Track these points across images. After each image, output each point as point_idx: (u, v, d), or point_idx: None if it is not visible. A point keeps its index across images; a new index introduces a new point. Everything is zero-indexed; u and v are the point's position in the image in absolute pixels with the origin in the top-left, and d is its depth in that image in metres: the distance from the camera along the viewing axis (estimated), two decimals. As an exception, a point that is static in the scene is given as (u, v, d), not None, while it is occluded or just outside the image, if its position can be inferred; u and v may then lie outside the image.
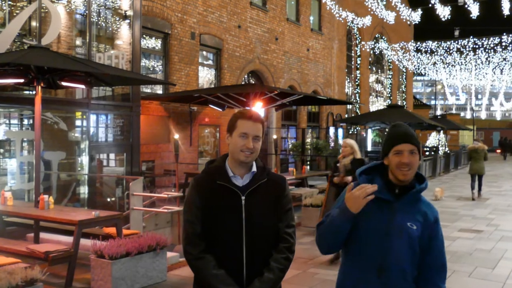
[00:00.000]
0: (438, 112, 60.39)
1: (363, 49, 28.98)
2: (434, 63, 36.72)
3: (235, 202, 2.61)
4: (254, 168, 2.70)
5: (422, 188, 2.60)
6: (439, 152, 28.07)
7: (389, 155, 2.58)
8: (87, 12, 10.51)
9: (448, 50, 33.35)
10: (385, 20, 25.54)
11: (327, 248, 2.67)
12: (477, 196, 15.42)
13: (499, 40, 31.18)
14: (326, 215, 2.64)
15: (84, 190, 10.37)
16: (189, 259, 2.62)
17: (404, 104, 36.29)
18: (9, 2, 9.22)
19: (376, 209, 2.53)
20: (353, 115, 27.74)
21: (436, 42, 32.98)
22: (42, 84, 7.32)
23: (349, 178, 7.23)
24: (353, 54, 28.42)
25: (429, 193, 14.97)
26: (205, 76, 16.30)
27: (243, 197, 2.62)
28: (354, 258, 2.59)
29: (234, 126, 2.66)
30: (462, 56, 34.74)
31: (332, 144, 22.69)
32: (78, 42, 10.83)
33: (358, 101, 28.37)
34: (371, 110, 28.75)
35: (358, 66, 28.85)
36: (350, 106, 27.88)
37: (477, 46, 32.46)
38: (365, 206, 2.48)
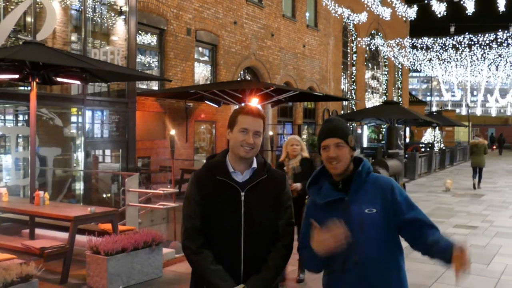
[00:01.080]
0: (434, 109, 60.50)
1: (359, 45, 28.99)
2: (430, 60, 36.76)
3: (235, 198, 2.61)
4: (255, 164, 2.69)
5: (360, 171, 2.60)
6: (435, 148, 28.13)
7: (320, 151, 2.65)
8: (82, 7, 10.47)
9: (443, 46, 33.39)
10: (381, 17, 25.55)
11: (316, 269, 2.74)
12: (478, 187, 17.14)
13: (494, 36, 31.24)
14: (301, 238, 2.70)
15: (79, 186, 10.35)
16: (188, 253, 2.62)
17: (400, 100, 36.33)
18: (4, -2, 9.17)
19: (333, 212, 2.54)
20: (349, 111, 27.76)
21: (431, 39, 33.02)
22: (37, 80, 7.29)
23: (298, 185, 6.05)
24: (349, 51, 28.42)
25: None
26: (201, 72, 16.28)
27: (242, 193, 2.61)
28: (328, 261, 2.59)
29: (234, 122, 2.66)
30: (458, 52, 34.78)
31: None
32: (74, 38, 10.79)
33: (354, 98, 28.39)
34: (367, 107, 28.78)
35: (354, 63, 28.87)
36: (346, 102, 27.90)
37: (472, 43, 32.52)
38: (324, 213, 2.54)
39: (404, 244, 2.62)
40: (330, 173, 2.65)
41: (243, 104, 2.99)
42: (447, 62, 37.88)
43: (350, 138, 2.62)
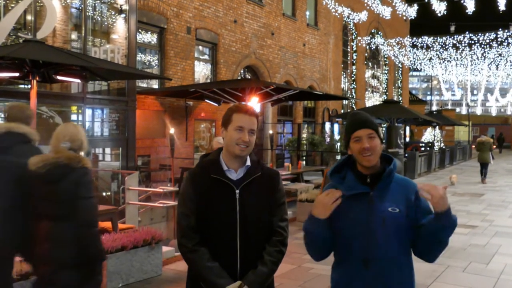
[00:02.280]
0: (434, 108, 60.51)
1: (359, 44, 28.98)
2: (430, 59, 36.73)
3: (229, 196, 2.64)
4: (248, 162, 2.72)
5: (391, 169, 2.59)
6: (435, 147, 28.13)
7: (350, 144, 2.61)
8: (82, 6, 10.47)
9: (444, 45, 33.36)
10: (381, 15, 25.53)
11: (318, 256, 2.69)
12: (483, 181, 19.06)
13: (494, 35, 31.21)
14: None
15: (79, 185, 10.33)
16: (184, 251, 2.65)
17: (400, 99, 36.33)
18: (4, -4, 9.17)
19: (354, 204, 2.54)
20: (349, 110, 27.75)
21: (432, 38, 33.00)
22: (37, 78, 7.29)
23: None
24: (349, 49, 28.41)
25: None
26: (201, 71, 16.28)
27: (237, 191, 2.64)
28: (342, 256, 2.61)
29: (229, 120, 2.68)
30: (458, 51, 34.76)
31: (327, 140, 22.71)
32: (74, 36, 10.79)
33: (354, 97, 28.40)
34: (367, 106, 28.77)
35: (354, 62, 28.86)
36: (346, 101, 27.90)
37: (472, 42, 32.48)
38: (344, 204, 2.51)
39: None
40: (355, 164, 2.63)
41: (237, 103, 2.97)
42: (447, 61, 37.85)
43: (380, 131, 2.61)
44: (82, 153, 3.65)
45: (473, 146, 40.79)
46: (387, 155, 2.67)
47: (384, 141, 2.67)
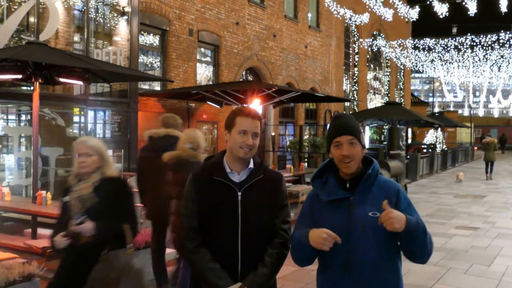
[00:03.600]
0: (436, 109, 60.43)
1: (361, 46, 28.97)
2: (432, 60, 36.71)
3: (232, 198, 2.65)
4: (251, 165, 2.73)
5: (369, 173, 2.55)
6: (437, 149, 28.11)
7: (331, 148, 2.59)
8: (85, 8, 10.50)
9: (445, 47, 33.35)
10: (383, 17, 25.52)
11: (301, 262, 2.67)
12: (490, 178, 20.83)
13: (496, 37, 31.18)
14: (295, 228, 2.68)
15: (81, 186, 10.35)
16: (185, 252, 2.68)
17: (402, 101, 36.30)
18: (7, -2, 9.21)
19: (335, 209, 2.52)
20: (350, 112, 27.74)
21: (433, 39, 32.98)
22: (40, 80, 7.32)
23: (85, 226, 3.29)
24: (351, 51, 28.41)
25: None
26: (203, 73, 16.30)
27: (239, 193, 2.66)
28: (325, 261, 2.59)
29: (233, 123, 2.68)
30: (460, 53, 34.73)
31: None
32: (76, 38, 10.82)
33: (356, 98, 28.39)
34: (369, 107, 28.77)
35: (356, 63, 28.85)
36: (348, 103, 27.89)
37: (474, 44, 32.44)
38: (326, 210, 2.52)
39: None
40: (336, 168, 2.61)
41: (240, 106, 3.01)
42: (449, 63, 37.84)
43: (362, 136, 2.58)
44: (199, 151, 4.89)
45: (476, 148, 40.82)
46: (368, 157, 2.64)
47: (365, 146, 2.60)
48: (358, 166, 2.57)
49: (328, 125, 2.78)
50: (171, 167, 4.82)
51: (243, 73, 18.28)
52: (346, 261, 2.49)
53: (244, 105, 10.97)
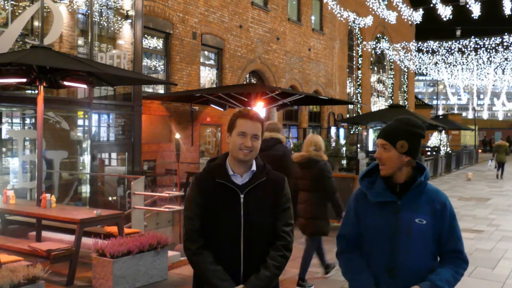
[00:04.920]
0: (440, 112, 60.32)
1: (365, 49, 28.97)
2: (436, 63, 36.67)
3: (234, 200, 2.66)
4: (254, 167, 2.75)
5: (421, 180, 2.56)
6: (441, 152, 28.03)
7: None
8: (89, 12, 10.54)
9: (449, 50, 33.30)
10: (386, 20, 25.53)
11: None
12: (501, 177, 22.55)
13: (500, 40, 31.13)
14: (341, 227, 2.75)
15: (85, 189, 10.41)
16: (188, 254, 2.69)
17: (406, 104, 36.27)
18: (12, 2, 9.26)
19: (381, 212, 2.54)
20: (354, 115, 27.74)
21: (437, 42, 32.94)
22: (44, 84, 7.35)
23: None
24: (354, 54, 28.41)
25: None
26: (207, 76, 16.33)
27: (241, 195, 2.67)
28: (368, 258, 2.61)
29: (233, 125, 2.71)
30: (464, 56, 34.69)
31: (333, 144, 22.70)
32: (80, 42, 10.86)
33: (360, 101, 28.37)
34: (372, 110, 28.74)
35: (360, 66, 28.85)
36: (352, 106, 27.89)
37: (478, 46, 32.40)
38: (372, 210, 2.54)
39: None
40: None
41: (241, 108, 3.05)
42: (453, 65, 37.77)
43: (401, 144, 2.53)
44: (321, 152, 6.21)
45: (480, 150, 40.68)
46: (421, 165, 2.64)
47: (410, 154, 2.57)
48: (395, 171, 2.57)
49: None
50: (300, 165, 6.24)
51: (247, 76, 18.31)
52: (388, 264, 2.51)
53: (248, 108, 10.98)
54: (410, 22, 27.25)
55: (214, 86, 16.35)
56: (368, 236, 2.58)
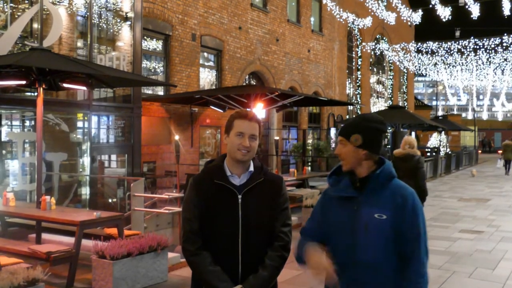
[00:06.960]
0: (440, 113, 60.36)
1: (364, 50, 28.99)
2: (435, 64, 36.67)
3: (232, 201, 2.68)
4: (252, 168, 2.76)
5: (377, 174, 2.52)
6: (440, 153, 28.05)
7: None
8: (88, 14, 10.55)
9: (449, 50, 33.30)
10: (385, 21, 25.56)
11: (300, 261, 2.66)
12: (507, 173, 25.10)
13: (499, 40, 31.13)
14: (307, 220, 2.73)
15: (85, 191, 10.40)
16: (187, 255, 2.70)
17: (405, 105, 36.28)
18: (11, 4, 9.26)
19: (343, 207, 2.55)
20: (354, 116, 27.71)
21: (437, 43, 32.94)
22: (43, 86, 7.36)
23: None
24: (354, 55, 28.43)
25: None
26: (206, 78, 16.34)
27: (239, 196, 2.68)
28: (331, 256, 2.58)
29: (231, 126, 2.72)
30: (463, 56, 34.69)
31: (333, 145, 22.71)
32: (80, 43, 10.87)
33: (359, 102, 28.39)
34: (372, 111, 28.75)
35: (359, 67, 28.87)
36: (351, 107, 27.90)
37: (478, 47, 32.39)
38: (335, 206, 2.56)
39: None
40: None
41: (239, 109, 3.09)
42: (453, 66, 37.79)
43: (355, 137, 2.52)
44: (414, 149, 7.68)
45: (479, 151, 40.69)
46: (383, 159, 2.61)
47: (365, 147, 2.53)
48: (354, 166, 2.55)
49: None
50: (400, 159, 7.60)
51: (246, 77, 18.31)
52: (349, 259, 2.50)
53: (248, 109, 10.99)
54: (409, 23, 27.28)
55: (214, 87, 16.36)
56: (331, 232, 2.57)
